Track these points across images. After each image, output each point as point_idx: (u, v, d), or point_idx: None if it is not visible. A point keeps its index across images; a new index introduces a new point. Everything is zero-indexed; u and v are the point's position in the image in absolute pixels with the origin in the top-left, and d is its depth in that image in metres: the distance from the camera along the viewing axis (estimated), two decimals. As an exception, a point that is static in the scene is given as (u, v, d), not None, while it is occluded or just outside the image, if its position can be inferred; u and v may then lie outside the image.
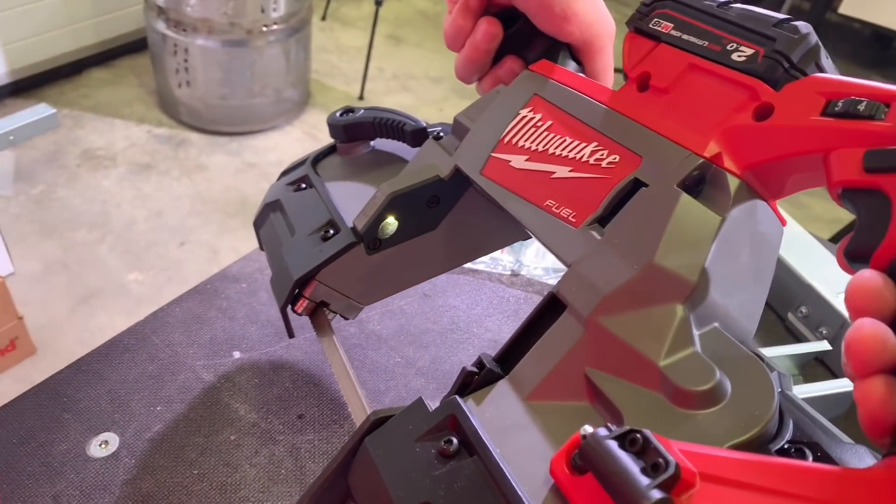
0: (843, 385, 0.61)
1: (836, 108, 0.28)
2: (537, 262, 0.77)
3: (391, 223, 0.45)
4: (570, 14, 0.42)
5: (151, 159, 2.12)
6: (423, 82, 2.72)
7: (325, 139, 0.56)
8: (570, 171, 0.37)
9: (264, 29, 2.09)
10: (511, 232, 0.52)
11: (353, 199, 0.49)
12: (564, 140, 0.39)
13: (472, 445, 0.28)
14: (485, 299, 0.72)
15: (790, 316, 0.73)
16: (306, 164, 0.55)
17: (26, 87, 2.30)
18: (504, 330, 0.69)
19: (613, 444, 0.21)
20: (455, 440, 0.28)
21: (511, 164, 0.41)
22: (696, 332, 0.29)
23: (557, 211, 0.37)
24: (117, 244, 1.82)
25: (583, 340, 0.31)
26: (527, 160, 0.40)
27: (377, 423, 0.31)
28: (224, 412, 0.57)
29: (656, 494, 0.19)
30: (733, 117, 0.32)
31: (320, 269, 0.46)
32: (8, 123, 2.07)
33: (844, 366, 0.23)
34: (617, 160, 0.36)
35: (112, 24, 2.41)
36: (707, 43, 0.35)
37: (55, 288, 1.68)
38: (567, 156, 0.38)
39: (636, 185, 0.34)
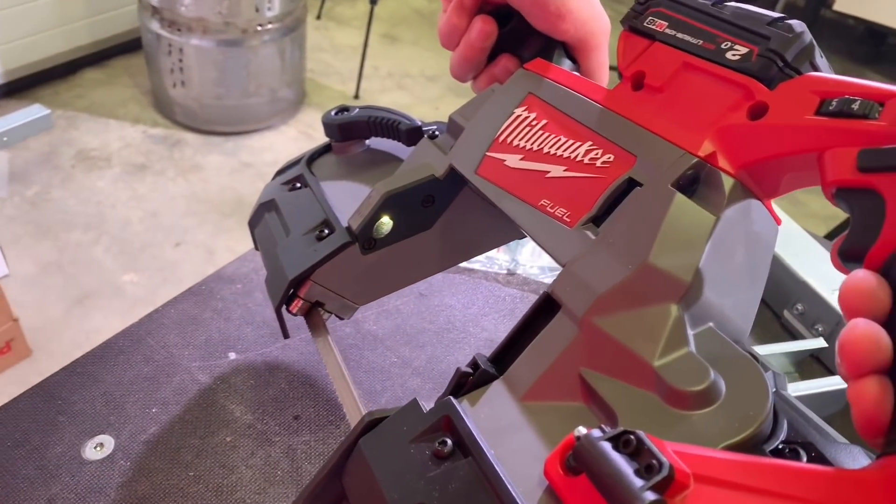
0: (838, 382, 0.61)
1: (831, 108, 0.28)
2: (533, 261, 0.77)
3: (386, 223, 0.45)
4: (564, 12, 0.42)
5: (146, 160, 2.12)
6: (419, 81, 2.72)
7: (321, 138, 0.56)
8: (564, 170, 0.37)
9: (259, 28, 2.09)
10: (506, 231, 0.52)
11: (348, 199, 0.49)
12: (559, 139, 0.39)
13: (466, 446, 0.28)
14: (481, 298, 0.72)
15: (786, 313, 0.73)
16: (301, 163, 0.55)
17: (20, 87, 2.29)
18: (500, 329, 0.69)
19: (607, 446, 0.21)
20: (449, 441, 0.28)
21: (506, 163, 0.41)
22: (690, 332, 0.29)
23: (552, 210, 0.37)
24: (112, 245, 1.81)
25: (577, 341, 0.31)
26: (521, 159, 0.40)
27: (372, 424, 0.31)
28: (220, 414, 0.57)
29: (650, 496, 0.19)
30: (728, 116, 0.32)
31: (315, 269, 0.46)
32: (1, 124, 2.06)
33: (838, 366, 0.23)
34: (611, 159, 0.36)
35: (106, 24, 2.41)
36: (701, 41, 0.35)
37: (50, 289, 1.67)
38: (561, 155, 0.38)
39: (630, 184, 0.34)
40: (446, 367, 0.64)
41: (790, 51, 0.31)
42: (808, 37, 0.32)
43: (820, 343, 0.67)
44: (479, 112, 0.44)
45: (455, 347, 0.66)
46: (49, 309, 1.62)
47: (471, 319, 0.69)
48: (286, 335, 0.52)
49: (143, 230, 1.87)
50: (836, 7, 2.97)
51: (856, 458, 0.26)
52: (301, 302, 0.48)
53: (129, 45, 2.50)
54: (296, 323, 0.52)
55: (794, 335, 0.72)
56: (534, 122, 0.41)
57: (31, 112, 2.14)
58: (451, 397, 0.30)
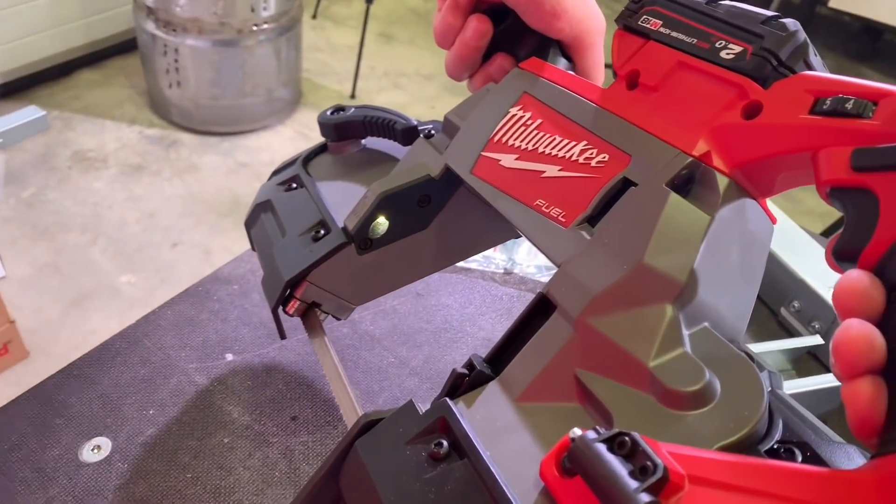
0: (835, 380, 0.61)
1: (825, 107, 0.28)
2: (530, 260, 0.77)
3: (382, 223, 0.45)
4: (559, 11, 0.42)
5: (143, 160, 2.11)
6: (415, 80, 2.72)
7: (317, 138, 0.55)
8: (559, 170, 0.37)
9: (255, 28, 2.09)
10: (503, 230, 0.52)
11: (344, 199, 0.49)
12: (554, 139, 0.39)
13: (462, 448, 0.28)
14: (478, 298, 0.72)
15: (783, 311, 0.74)
16: (297, 163, 0.55)
17: (15, 89, 2.28)
18: (497, 328, 0.69)
19: (602, 447, 0.21)
20: (445, 443, 0.28)
21: (501, 163, 0.41)
22: (685, 332, 0.29)
23: (547, 210, 0.37)
24: (109, 246, 1.81)
25: (572, 341, 0.31)
26: (517, 159, 0.40)
27: (368, 425, 0.31)
28: (217, 415, 0.57)
29: (644, 498, 0.19)
30: (722, 115, 0.32)
31: (311, 269, 0.46)
32: (-3, 126, 2.06)
33: (832, 366, 0.23)
34: (606, 159, 0.36)
35: (101, 24, 2.40)
36: (696, 40, 0.35)
37: (47, 291, 1.67)
38: (557, 155, 0.38)
39: (625, 184, 0.34)
40: (444, 367, 0.64)
41: (784, 49, 0.31)
42: (802, 35, 0.32)
43: (817, 340, 0.67)
44: (474, 111, 0.44)
45: (452, 347, 0.66)
46: (46, 310, 1.62)
47: (468, 319, 0.69)
48: (283, 336, 0.52)
49: (139, 231, 1.86)
50: (832, 4, 2.97)
51: (851, 458, 0.26)
52: (297, 303, 0.48)
53: (124, 46, 2.50)
54: (293, 324, 0.52)
55: (790, 332, 0.73)
56: (529, 122, 0.41)
57: (26, 113, 2.14)
58: (447, 398, 0.30)
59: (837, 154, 0.27)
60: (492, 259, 0.76)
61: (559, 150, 0.38)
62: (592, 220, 0.35)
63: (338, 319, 0.53)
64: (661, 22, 0.37)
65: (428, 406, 0.31)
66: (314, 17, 3.01)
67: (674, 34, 0.36)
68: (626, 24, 0.38)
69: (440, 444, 0.28)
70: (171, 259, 1.79)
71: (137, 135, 2.21)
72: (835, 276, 0.26)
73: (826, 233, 1.18)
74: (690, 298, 0.30)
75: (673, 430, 0.26)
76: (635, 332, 0.29)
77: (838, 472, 0.22)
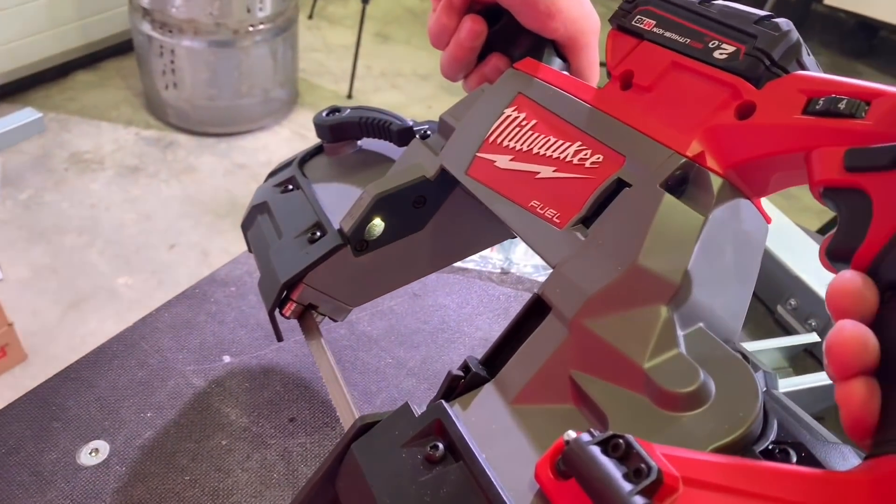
0: (832, 377, 0.61)
1: (817, 107, 0.28)
2: (527, 260, 0.77)
3: (378, 224, 0.45)
4: (554, 11, 0.42)
5: (140, 162, 2.11)
6: (412, 79, 2.71)
7: (314, 139, 0.55)
8: (554, 171, 0.37)
9: (251, 29, 2.08)
10: (499, 231, 0.52)
11: (339, 200, 0.49)
12: (548, 140, 0.39)
13: (457, 451, 0.28)
14: (475, 298, 0.72)
15: (779, 308, 0.74)
16: (293, 165, 0.55)
17: (11, 91, 2.28)
18: (494, 328, 0.69)
19: (596, 450, 0.21)
20: (441, 445, 0.28)
21: (496, 164, 0.41)
22: (680, 333, 0.29)
23: (542, 212, 0.37)
24: (107, 248, 1.81)
25: (567, 343, 0.31)
26: (511, 160, 0.40)
27: (364, 428, 0.31)
28: (215, 417, 0.57)
29: (639, 501, 0.19)
30: (715, 116, 0.32)
31: (307, 271, 0.46)
32: (-6, 128, 2.05)
33: (826, 367, 0.23)
34: (601, 160, 0.36)
35: (97, 26, 2.39)
36: (689, 40, 0.35)
37: (45, 294, 1.67)
38: (551, 155, 0.38)
39: (620, 185, 0.34)
40: (441, 368, 0.64)
41: (777, 49, 0.31)
42: (795, 35, 0.32)
43: (813, 338, 0.68)
44: (469, 112, 0.44)
45: (450, 347, 0.66)
46: (44, 313, 1.62)
47: (465, 319, 0.69)
48: (280, 338, 0.52)
49: (137, 233, 1.86)
50: (828, 1, 2.97)
51: (846, 458, 0.26)
52: (294, 305, 0.48)
53: (120, 47, 2.49)
54: (290, 325, 0.52)
55: (787, 330, 0.73)
56: (523, 123, 0.41)
57: (22, 115, 2.13)
58: (443, 401, 0.30)
59: (830, 154, 0.27)
60: (489, 259, 0.76)
61: (553, 150, 0.38)
62: (587, 220, 0.35)
63: (335, 321, 0.53)
64: (654, 22, 0.36)
65: (424, 408, 0.31)
66: (310, 17, 3.01)
67: (667, 34, 0.36)
68: (620, 24, 0.38)
69: (436, 447, 0.28)
70: (169, 260, 1.79)
71: (134, 136, 2.21)
72: (831, 275, 0.26)
73: (822, 230, 1.18)
74: (685, 299, 0.30)
75: (668, 432, 0.26)
76: (630, 333, 0.29)
77: (832, 473, 0.22)
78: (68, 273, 1.72)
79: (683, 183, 0.32)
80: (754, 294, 0.34)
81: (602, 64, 0.40)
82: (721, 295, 0.31)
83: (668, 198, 0.31)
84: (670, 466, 0.20)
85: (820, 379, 0.61)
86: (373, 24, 2.96)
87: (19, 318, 1.50)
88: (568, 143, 0.37)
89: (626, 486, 0.20)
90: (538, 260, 0.77)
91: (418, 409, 0.31)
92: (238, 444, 0.55)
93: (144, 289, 1.70)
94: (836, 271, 0.26)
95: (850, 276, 0.24)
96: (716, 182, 0.31)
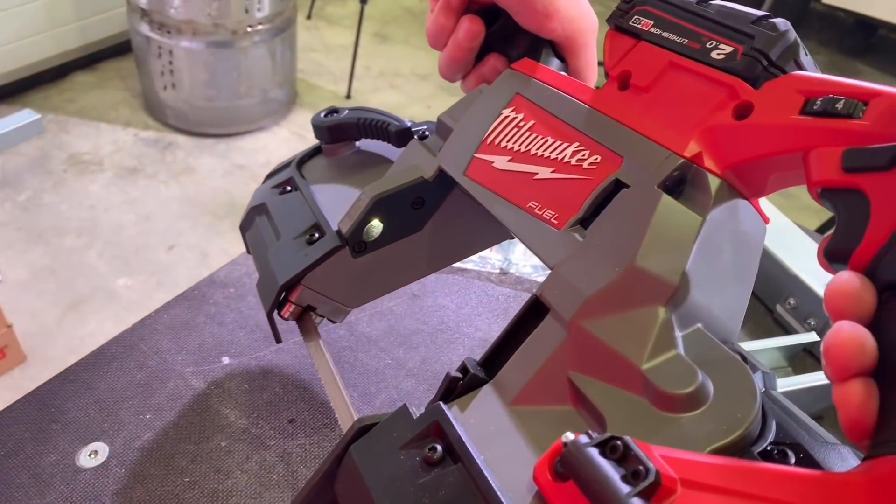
0: (831, 377, 0.61)
1: (815, 107, 0.28)
2: (526, 260, 0.77)
3: (376, 226, 0.45)
4: (552, 11, 0.42)
5: (138, 163, 2.11)
6: (411, 79, 2.71)
7: (313, 139, 0.55)
8: (552, 171, 0.37)
9: (249, 29, 2.08)
10: (498, 232, 0.52)
11: (338, 202, 0.49)
12: (546, 140, 0.39)
13: (456, 453, 0.28)
14: (474, 298, 0.72)
15: (778, 308, 0.74)
16: (291, 166, 0.55)
17: (10, 92, 2.28)
18: (494, 329, 0.69)
19: (594, 452, 0.21)
20: (439, 447, 0.28)
21: (494, 165, 0.40)
22: (678, 334, 0.29)
23: (540, 213, 0.37)
24: (106, 250, 1.81)
25: (565, 344, 0.31)
26: (509, 161, 0.40)
27: (362, 430, 0.31)
28: (214, 419, 0.57)
29: (637, 502, 0.19)
30: (713, 116, 0.32)
31: (306, 273, 0.46)
32: (-8, 130, 2.05)
33: (824, 368, 0.23)
34: (598, 160, 0.35)
35: (95, 27, 2.39)
36: (686, 41, 0.35)
37: (44, 295, 1.66)
38: (549, 156, 0.38)
39: (618, 185, 0.34)
40: (440, 368, 0.64)
41: (774, 49, 0.31)
42: (793, 35, 0.32)
43: (812, 337, 0.68)
44: (467, 113, 0.44)
45: (449, 348, 0.66)
46: (43, 315, 1.61)
47: (464, 319, 0.69)
48: (279, 340, 0.52)
49: (136, 234, 1.86)
50: (826, 0, 2.97)
51: (844, 459, 0.26)
52: (292, 307, 0.48)
53: (118, 48, 2.49)
54: (289, 326, 0.52)
55: (786, 329, 0.73)
56: (521, 123, 0.40)
57: (21, 117, 2.13)
58: (441, 403, 0.30)
59: (828, 155, 0.27)
60: (488, 259, 0.76)
61: (551, 151, 0.38)
62: (585, 221, 0.34)
63: (333, 322, 0.53)
64: (652, 22, 0.36)
65: (423, 410, 0.31)
66: (309, 17, 3.00)
67: (665, 34, 0.36)
68: (618, 25, 0.38)
69: (434, 449, 0.28)
70: (168, 262, 1.79)
71: (133, 137, 2.21)
72: (830, 274, 0.26)
73: (821, 229, 1.18)
74: (683, 300, 0.30)
75: (666, 433, 0.26)
76: (628, 334, 0.29)
77: (830, 474, 0.22)
78: (67, 274, 1.72)
79: (681, 183, 0.32)
80: (753, 293, 0.34)
81: (600, 64, 0.40)
82: (719, 295, 0.31)
83: (666, 198, 0.31)
84: (668, 468, 0.20)
85: (819, 378, 0.61)
86: (371, 24, 2.96)
87: (18, 320, 1.50)
88: (566, 144, 0.37)
89: (624, 488, 0.20)
90: (537, 260, 0.77)
91: (417, 411, 0.31)
92: (237, 445, 0.55)
93: (143, 290, 1.70)
94: (834, 272, 0.26)
95: (848, 277, 0.24)
96: (714, 182, 0.31)
